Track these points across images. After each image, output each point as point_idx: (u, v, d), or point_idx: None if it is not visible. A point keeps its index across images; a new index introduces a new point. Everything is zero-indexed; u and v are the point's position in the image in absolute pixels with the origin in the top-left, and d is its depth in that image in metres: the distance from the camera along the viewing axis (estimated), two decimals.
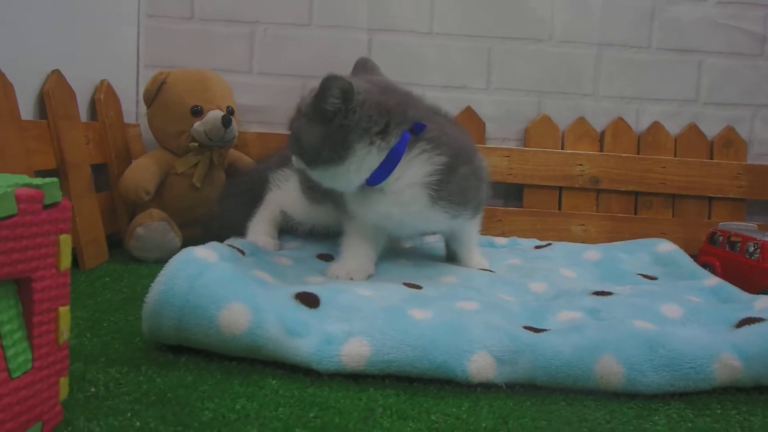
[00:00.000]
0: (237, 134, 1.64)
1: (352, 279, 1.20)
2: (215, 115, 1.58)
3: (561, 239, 1.77)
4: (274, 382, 0.84)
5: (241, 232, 1.41)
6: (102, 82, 1.62)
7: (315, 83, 1.12)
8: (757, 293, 1.22)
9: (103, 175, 1.59)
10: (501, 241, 1.72)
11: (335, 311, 0.95)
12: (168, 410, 0.74)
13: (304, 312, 0.94)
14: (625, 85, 1.89)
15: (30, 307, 0.62)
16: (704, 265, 1.46)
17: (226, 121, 1.57)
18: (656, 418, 0.80)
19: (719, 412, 0.83)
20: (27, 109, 1.31)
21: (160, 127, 1.63)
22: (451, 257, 1.40)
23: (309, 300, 0.97)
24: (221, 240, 1.20)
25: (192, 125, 1.58)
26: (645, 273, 1.38)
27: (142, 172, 1.53)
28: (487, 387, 0.86)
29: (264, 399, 0.79)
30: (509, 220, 1.85)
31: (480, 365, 0.85)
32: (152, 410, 0.74)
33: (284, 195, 1.43)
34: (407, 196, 1.17)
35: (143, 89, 1.64)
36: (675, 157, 1.88)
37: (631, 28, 1.87)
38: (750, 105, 1.89)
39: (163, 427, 0.70)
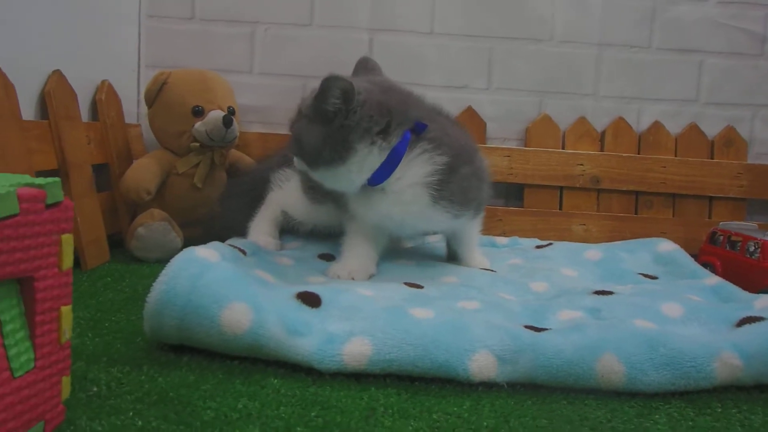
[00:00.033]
0: (238, 134, 1.64)
1: (353, 279, 1.20)
2: (216, 115, 1.58)
3: (562, 239, 1.77)
4: (275, 381, 0.84)
5: (242, 232, 1.41)
6: (103, 82, 1.62)
7: (316, 83, 1.12)
8: (758, 292, 1.23)
9: (104, 175, 1.59)
10: (502, 240, 1.72)
11: (337, 311, 0.96)
12: (170, 409, 0.74)
13: (305, 311, 0.94)
14: (626, 85, 1.89)
15: (32, 307, 0.63)
16: (705, 265, 1.46)
17: (228, 121, 1.57)
18: (657, 416, 0.80)
19: (720, 410, 0.83)
20: (28, 110, 1.31)
21: (161, 127, 1.63)
22: (452, 257, 1.40)
23: (310, 299, 0.97)
24: (222, 240, 1.20)
25: (193, 125, 1.58)
26: (646, 272, 1.39)
27: (143, 172, 1.53)
28: (489, 386, 0.86)
29: (266, 398, 0.79)
30: (510, 220, 1.85)
31: (481, 364, 0.86)
32: (154, 409, 0.74)
33: (285, 195, 1.44)
34: (408, 196, 1.17)
35: (144, 89, 1.64)
36: (675, 156, 1.88)
37: (632, 28, 1.87)
38: (750, 105, 1.89)
39: (165, 426, 0.70)
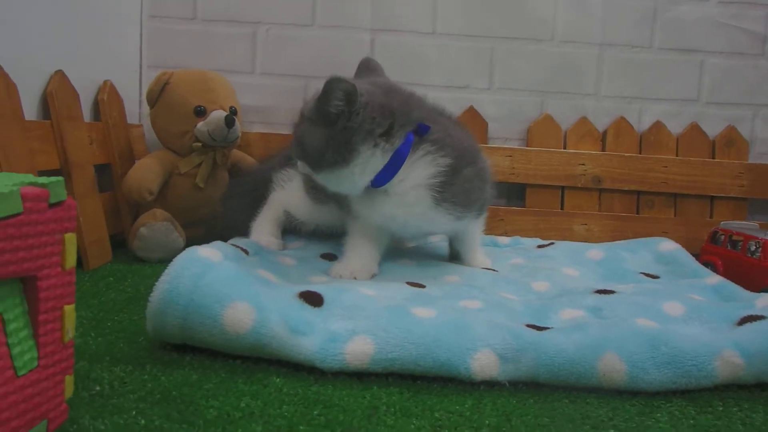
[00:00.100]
0: (240, 134, 1.64)
1: (355, 278, 1.20)
2: (218, 115, 1.58)
3: (563, 238, 1.78)
4: (278, 380, 0.84)
5: (244, 232, 1.42)
6: (105, 82, 1.62)
7: (318, 83, 1.12)
8: (759, 291, 1.23)
9: (106, 176, 1.59)
10: (504, 240, 1.72)
11: (339, 310, 0.96)
12: (173, 408, 0.74)
13: (308, 311, 0.94)
14: (627, 84, 1.89)
15: (35, 306, 0.63)
16: (706, 264, 1.46)
17: (230, 121, 1.57)
18: (658, 415, 0.81)
19: (721, 409, 0.83)
20: (30, 110, 1.32)
21: (163, 127, 1.63)
22: (455, 257, 1.40)
23: (313, 299, 0.97)
24: (225, 240, 1.20)
25: (195, 125, 1.58)
26: (647, 272, 1.39)
27: (145, 173, 1.53)
28: (491, 385, 0.87)
29: (268, 397, 0.79)
30: (512, 220, 1.85)
31: (483, 363, 0.86)
32: (157, 408, 0.74)
33: (288, 195, 1.44)
34: (411, 198, 1.17)
35: (146, 90, 1.64)
36: (677, 156, 1.88)
37: (633, 28, 1.87)
38: (751, 104, 1.89)
39: (167, 425, 0.70)
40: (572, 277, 1.33)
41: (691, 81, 1.89)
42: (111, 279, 1.30)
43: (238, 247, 1.16)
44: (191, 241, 1.32)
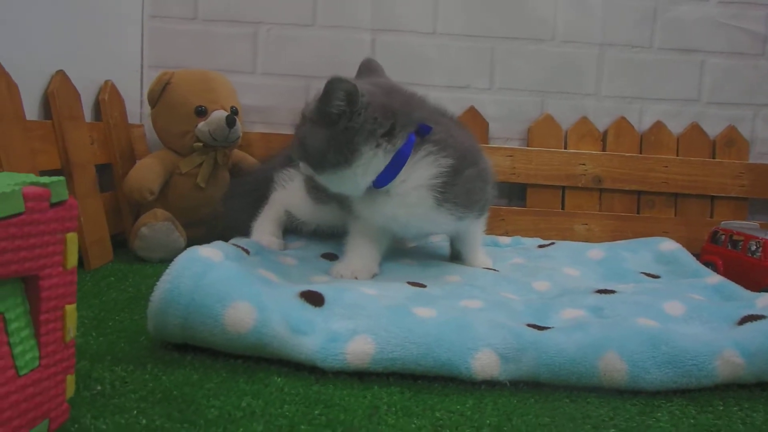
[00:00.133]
0: (241, 134, 1.64)
1: (356, 278, 1.20)
2: (219, 115, 1.58)
3: (564, 238, 1.78)
4: (279, 379, 0.84)
5: (245, 232, 1.42)
6: (106, 82, 1.62)
7: (318, 83, 1.12)
8: (759, 291, 1.23)
9: (107, 176, 1.59)
10: (504, 240, 1.72)
11: (340, 309, 0.96)
12: (174, 408, 0.74)
13: (309, 310, 0.94)
14: (628, 84, 1.89)
15: (37, 305, 0.63)
16: (707, 264, 1.46)
17: (231, 121, 1.57)
18: (659, 414, 0.81)
19: (721, 408, 0.83)
20: (32, 110, 1.32)
21: (164, 127, 1.63)
22: (456, 256, 1.40)
23: (314, 298, 0.97)
24: (226, 240, 1.20)
25: (196, 125, 1.59)
26: (648, 271, 1.39)
27: (146, 173, 1.53)
28: (491, 384, 0.87)
29: (269, 396, 0.79)
30: (513, 220, 1.86)
31: (484, 363, 0.86)
32: (158, 408, 0.74)
33: (289, 195, 1.44)
34: (413, 199, 1.17)
35: (147, 90, 1.64)
36: (677, 156, 1.88)
37: (633, 28, 1.87)
38: (752, 104, 1.89)
39: (169, 424, 0.70)
40: (573, 277, 1.33)
41: (691, 81, 1.89)
42: (112, 279, 1.30)
43: (239, 246, 1.16)
44: (192, 241, 1.33)
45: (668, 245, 1.49)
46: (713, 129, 1.89)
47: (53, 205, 0.64)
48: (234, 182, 1.67)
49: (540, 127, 1.89)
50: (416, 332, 0.88)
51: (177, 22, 1.87)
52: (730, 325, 0.99)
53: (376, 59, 1.36)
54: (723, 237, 1.52)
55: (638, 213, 1.88)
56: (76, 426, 0.69)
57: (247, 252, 1.17)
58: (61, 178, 0.66)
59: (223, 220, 1.54)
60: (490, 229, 1.64)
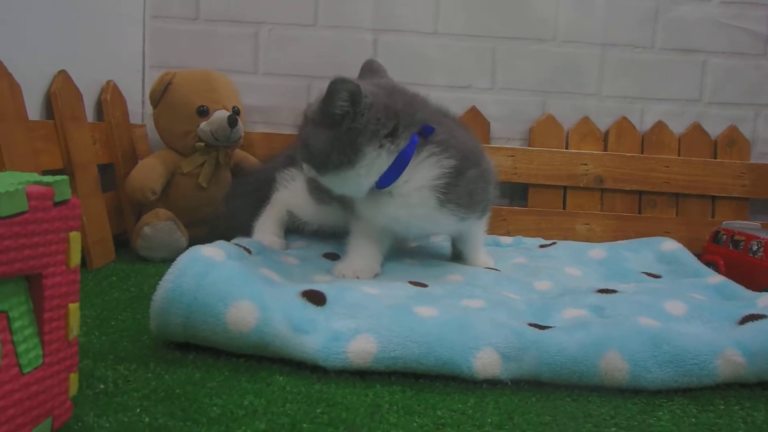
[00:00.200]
0: (243, 134, 1.64)
1: (358, 278, 1.20)
2: (221, 115, 1.58)
3: (566, 238, 1.78)
4: (281, 378, 0.85)
5: (247, 232, 1.42)
6: (108, 82, 1.63)
7: (320, 83, 1.13)
8: (761, 291, 1.23)
9: (109, 176, 1.60)
10: (506, 240, 1.72)
11: (342, 308, 0.96)
12: (176, 406, 0.75)
13: (310, 309, 0.94)
14: (629, 84, 1.90)
15: (40, 304, 0.63)
16: (708, 264, 1.46)
17: (232, 121, 1.58)
18: (660, 413, 0.81)
19: (722, 407, 0.84)
20: (34, 110, 1.32)
21: (166, 127, 1.63)
22: (457, 256, 1.40)
23: (316, 298, 0.97)
24: (227, 240, 1.20)
25: (198, 125, 1.59)
26: (649, 271, 1.39)
27: (148, 172, 1.54)
28: (493, 383, 0.87)
29: (271, 395, 0.79)
30: (514, 220, 1.86)
31: (485, 362, 0.86)
32: (161, 406, 0.74)
33: (291, 195, 1.44)
34: (415, 199, 1.17)
35: (149, 90, 1.65)
36: (679, 156, 1.88)
37: (635, 28, 1.88)
38: (753, 104, 1.89)
39: (171, 423, 0.71)
40: (574, 277, 1.33)
41: (693, 81, 1.89)
42: (114, 278, 1.31)
43: (241, 246, 1.16)
44: (194, 241, 1.33)
45: (670, 245, 1.49)
46: (715, 129, 1.89)
47: (56, 204, 0.64)
48: (236, 182, 1.67)
49: (541, 127, 1.89)
50: (418, 331, 0.88)
51: (179, 22, 1.87)
52: (731, 325, 1.00)
53: (378, 59, 1.36)
54: (724, 237, 1.52)
55: (640, 213, 1.88)
56: (80, 424, 0.69)
57: (249, 252, 1.18)
58: (65, 177, 0.66)
59: (225, 219, 1.54)
60: (492, 229, 1.64)
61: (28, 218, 0.60)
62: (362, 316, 0.93)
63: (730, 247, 1.49)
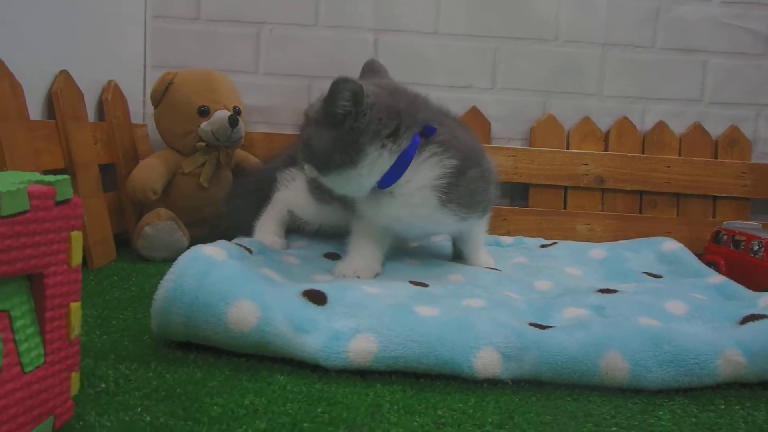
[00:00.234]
0: (244, 134, 1.65)
1: (359, 277, 1.20)
2: (222, 115, 1.58)
3: (566, 238, 1.78)
4: (282, 378, 0.85)
5: (248, 232, 1.42)
6: (109, 82, 1.63)
7: (321, 83, 1.13)
8: (762, 291, 1.23)
9: (110, 175, 1.60)
10: (507, 240, 1.72)
11: (342, 308, 0.96)
12: (178, 405, 0.75)
13: (311, 309, 0.94)
14: (630, 84, 1.90)
15: (42, 303, 0.63)
16: (709, 264, 1.46)
17: (233, 121, 1.58)
18: (661, 413, 0.81)
19: (723, 407, 0.84)
20: (35, 110, 1.32)
21: (167, 127, 1.64)
22: (458, 256, 1.41)
23: (316, 297, 0.97)
24: (228, 239, 1.20)
25: (199, 125, 1.59)
26: (650, 271, 1.39)
27: (149, 172, 1.54)
28: (493, 383, 0.87)
29: (272, 394, 0.79)
30: (515, 220, 1.86)
31: (486, 361, 0.86)
32: (162, 405, 0.74)
33: (292, 195, 1.44)
34: (417, 199, 1.17)
35: (150, 90, 1.65)
36: (680, 156, 1.88)
37: (636, 28, 1.88)
38: (754, 104, 1.89)
39: (172, 421, 0.71)
40: (575, 277, 1.33)
41: (694, 81, 1.89)
42: (115, 278, 1.31)
43: (242, 246, 1.16)
44: (195, 241, 1.33)
45: (670, 245, 1.49)
46: (716, 129, 1.89)
47: (58, 204, 0.64)
48: (237, 182, 1.68)
49: (542, 127, 1.89)
50: (418, 331, 0.88)
51: (180, 22, 1.88)
52: (732, 325, 1.00)
53: (379, 59, 1.36)
54: (725, 237, 1.52)
55: (640, 213, 1.88)
56: (81, 423, 0.69)
57: (250, 251, 1.18)
58: (66, 176, 0.66)
59: (226, 219, 1.55)
60: (493, 229, 1.64)
61: (30, 217, 0.60)
62: (363, 315, 0.93)
63: (731, 247, 1.49)
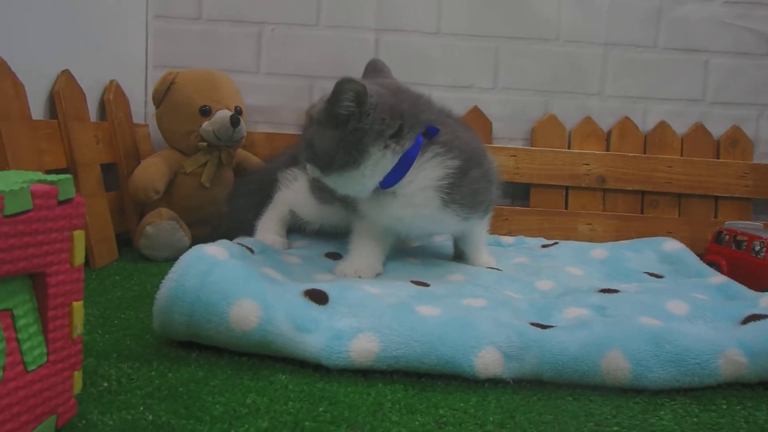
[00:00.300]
0: (245, 134, 1.65)
1: (360, 277, 1.20)
2: (224, 114, 1.59)
3: (568, 238, 1.78)
4: (283, 377, 0.85)
5: (249, 232, 1.42)
6: (111, 82, 1.63)
7: (322, 83, 1.13)
8: (763, 291, 1.23)
9: (112, 175, 1.60)
10: (508, 240, 1.72)
11: (344, 307, 0.96)
12: (180, 404, 0.75)
13: (313, 308, 0.94)
14: (632, 84, 1.90)
15: (45, 302, 0.64)
16: (710, 264, 1.46)
17: (235, 120, 1.58)
18: (662, 413, 0.81)
19: (724, 407, 0.84)
20: (38, 109, 1.33)
21: (169, 127, 1.64)
22: (459, 256, 1.41)
23: (318, 297, 0.97)
24: (230, 239, 1.20)
25: (201, 125, 1.59)
26: (651, 271, 1.39)
27: (151, 172, 1.54)
28: (495, 382, 0.87)
29: (274, 393, 0.80)
30: (516, 219, 1.86)
31: (487, 361, 0.86)
32: (164, 404, 0.75)
33: (293, 194, 1.44)
34: (419, 200, 1.17)
35: (152, 89, 1.65)
36: (681, 156, 1.88)
37: (638, 28, 1.88)
38: (756, 104, 1.89)
39: (175, 420, 0.71)
40: (576, 276, 1.33)
41: (696, 81, 1.89)
42: (117, 277, 1.31)
43: (243, 245, 1.16)
44: (197, 240, 1.33)
45: (672, 245, 1.49)
46: (717, 129, 1.89)
47: (61, 203, 0.64)
48: (238, 182, 1.68)
49: (544, 127, 1.89)
50: (420, 330, 0.88)
51: (181, 22, 1.88)
52: (733, 325, 1.00)
53: (381, 59, 1.36)
54: (727, 237, 1.52)
55: (642, 213, 1.88)
56: (84, 422, 0.69)
57: (252, 251, 1.18)
58: (69, 176, 0.66)
59: (228, 219, 1.55)
60: (494, 229, 1.64)
61: (33, 217, 0.60)
62: (364, 315, 0.94)
63: (733, 248, 1.49)
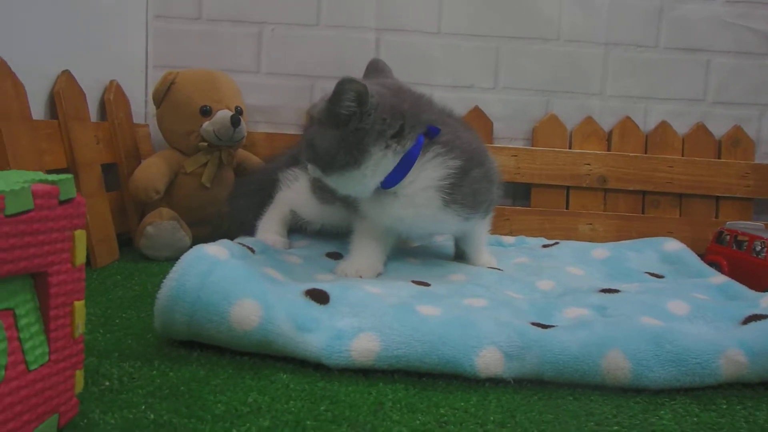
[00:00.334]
0: (246, 134, 1.65)
1: (361, 277, 1.20)
2: (224, 114, 1.59)
3: (568, 238, 1.78)
4: (284, 376, 0.85)
5: (250, 232, 1.42)
6: (111, 82, 1.63)
7: (323, 83, 1.13)
8: (764, 291, 1.23)
9: (113, 175, 1.60)
10: (509, 239, 1.72)
11: (345, 307, 0.96)
12: (181, 403, 0.75)
13: (314, 308, 0.94)
14: (633, 84, 1.90)
15: (46, 301, 0.64)
16: (711, 264, 1.46)
17: (235, 120, 1.58)
18: (662, 412, 0.81)
19: (725, 407, 0.84)
20: (38, 109, 1.33)
21: (169, 127, 1.64)
22: (460, 256, 1.41)
23: (319, 296, 0.97)
24: (231, 239, 1.20)
25: (201, 125, 1.59)
26: (652, 271, 1.39)
27: (152, 172, 1.54)
28: (495, 382, 0.87)
29: (275, 393, 0.80)
30: (517, 219, 1.86)
31: (488, 360, 0.86)
32: (166, 403, 0.75)
33: (294, 194, 1.44)
34: (420, 200, 1.17)
35: (152, 89, 1.66)
36: (682, 156, 1.88)
37: (639, 28, 1.88)
38: (757, 104, 1.89)
39: (176, 419, 0.71)
40: (577, 276, 1.33)
41: (697, 80, 1.89)
42: (118, 277, 1.31)
43: (244, 245, 1.16)
44: (197, 240, 1.34)
45: (673, 245, 1.49)
46: (719, 129, 1.89)
47: (62, 203, 0.64)
48: (239, 182, 1.68)
49: (545, 126, 1.89)
50: (421, 330, 0.88)
51: (181, 22, 1.88)
52: (734, 325, 1.00)
53: (381, 59, 1.36)
54: (728, 237, 1.52)
55: (643, 213, 1.88)
56: (85, 421, 0.69)
57: (253, 250, 1.18)
58: (69, 175, 0.66)
59: (228, 219, 1.55)
60: (495, 229, 1.64)
61: (34, 216, 0.60)
62: (365, 314, 0.94)
63: (734, 248, 1.49)
